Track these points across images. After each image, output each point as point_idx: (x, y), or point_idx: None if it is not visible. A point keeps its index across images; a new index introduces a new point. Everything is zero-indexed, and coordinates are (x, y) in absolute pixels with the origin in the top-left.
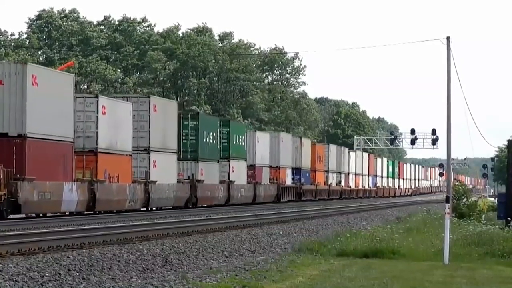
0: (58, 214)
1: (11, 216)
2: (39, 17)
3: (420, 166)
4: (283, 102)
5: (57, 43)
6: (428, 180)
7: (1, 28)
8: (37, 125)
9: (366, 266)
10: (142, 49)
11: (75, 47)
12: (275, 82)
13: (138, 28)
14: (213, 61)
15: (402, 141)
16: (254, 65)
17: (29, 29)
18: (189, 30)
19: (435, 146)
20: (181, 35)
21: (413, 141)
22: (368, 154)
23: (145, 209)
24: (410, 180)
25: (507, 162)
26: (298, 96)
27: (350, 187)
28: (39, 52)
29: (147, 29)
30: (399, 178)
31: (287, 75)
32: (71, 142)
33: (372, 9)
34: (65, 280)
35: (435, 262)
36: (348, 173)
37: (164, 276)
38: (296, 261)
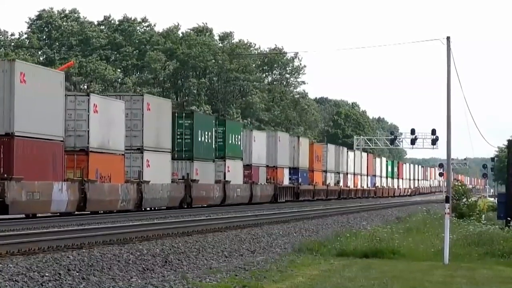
0: (49, 214)
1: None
2: (39, 17)
3: (420, 166)
4: (282, 102)
5: (57, 43)
6: (427, 180)
7: (1, 28)
8: (26, 123)
9: (366, 266)
10: (143, 49)
11: (75, 47)
12: (274, 82)
13: (138, 28)
14: (213, 61)
15: (402, 141)
16: (253, 65)
17: (29, 29)
18: (189, 30)
19: (435, 146)
20: (181, 35)
21: (413, 141)
22: (367, 154)
23: (138, 209)
24: (410, 180)
25: (507, 162)
26: (298, 96)
27: (349, 187)
28: (39, 52)
29: (147, 29)
30: (398, 178)
31: (287, 75)
32: (61, 141)
33: (372, 9)
34: (65, 280)
35: (435, 262)
36: (347, 173)
37: (164, 276)
38: (296, 261)
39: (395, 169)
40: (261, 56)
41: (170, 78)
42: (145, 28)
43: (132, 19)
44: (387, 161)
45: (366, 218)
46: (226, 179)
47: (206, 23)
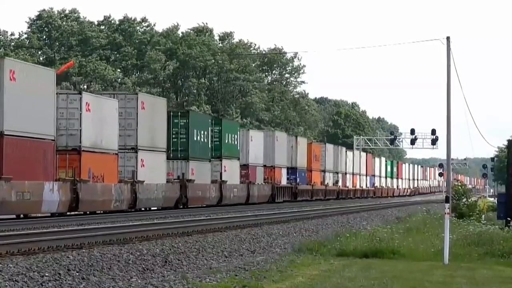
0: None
1: None
2: (39, 17)
3: (419, 166)
4: (282, 102)
5: (57, 43)
6: (427, 180)
7: (1, 28)
8: (15, 122)
9: (366, 266)
10: (143, 49)
11: (74, 47)
12: (274, 82)
13: (138, 28)
14: (213, 61)
15: (402, 141)
16: (253, 65)
17: (29, 29)
18: (189, 30)
19: (435, 146)
20: (180, 34)
21: (413, 141)
22: (366, 154)
23: (132, 210)
24: (409, 180)
25: (507, 162)
26: (298, 96)
27: (348, 187)
28: (39, 52)
29: (147, 29)
30: (397, 178)
31: (287, 75)
32: (52, 140)
33: (372, 9)
34: (65, 280)
35: (435, 262)
36: (346, 173)
37: (164, 276)
38: (296, 261)
39: (394, 169)
40: (260, 56)
41: (170, 78)
42: (145, 28)
43: (132, 19)
44: (386, 161)
45: (366, 218)
46: (223, 179)
47: (206, 23)
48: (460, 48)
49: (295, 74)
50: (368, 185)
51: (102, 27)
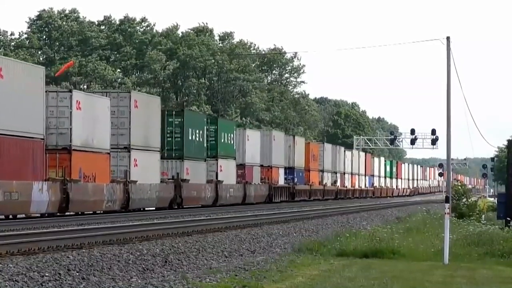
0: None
1: None
2: (39, 17)
3: (419, 166)
4: (281, 102)
5: (57, 43)
6: (427, 180)
7: (1, 28)
8: (3, 120)
9: (366, 266)
10: (144, 49)
11: (74, 47)
12: (274, 82)
13: (138, 28)
14: (213, 61)
15: (402, 141)
16: (253, 65)
17: (29, 29)
18: (189, 30)
19: (435, 146)
20: (180, 34)
21: (413, 141)
22: (365, 154)
23: (124, 210)
24: (408, 180)
25: (507, 162)
26: (298, 96)
27: (346, 187)
28: (39, 52)
29: (147, 29)
30: (397, 178)
31: (286, 75)
32: (42, 139)
33: (372, 9)
34: (65, 280)
35: (435, 262)
36: (344, 173)
37: (164, 276)
38: (296, 261)
39: (394, 169)
40: (260, 56)
41: (170, 78)
42: (145, 28)
43: (132, 19)
44: (385, 161)
45: (366, 218)
46: (218, 179)
47: (206, 23)
48: (460, 48)
49: (295, 74)
50: (367, 185)
51: (102, 27)
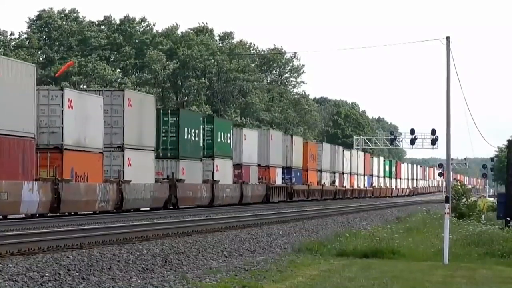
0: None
1: None
2: (39, 17)
3: (419, 166)
4: (281, 102)
5: (56, 43)
6: (426, 180)
7: (1, 28)
8: None
9: (366, 266)
10: (145, 49)
11: (74, 47)
12: (274, 82)
13: (138, 28)
14: (212, 61)
15: (401, 141)
16: (253, 65)
17: (29, 29)
18: (188, 30)
19: (434, 146)
20: (180, 34)
21: (412, 141)
22: (364, 153)
23: (118, 211)
24: (408, 180)
25: (507, 162)
26: (298, 96)
27: (345, 187)
28: (39, 52)
29: (147, 29)
30: (396, 178)
31: (286, 75)
32: (32, 138)
33: (372, 9)
34: (65, 280)
35: (435, 262)
36: (343, 173)
37: (163, 276)
38: (296, 261)
39: (393, 169)
40: (260, 56)
41: (169, 78)
42: (144, 28)
43: (132, 19)
44: (384, 161)
45: (366, 218)
46: (215, 179)
47: (206, 23)
48: (460, 48)
49: (295, 74)
50: (366, 185)
51: (102, 27)
